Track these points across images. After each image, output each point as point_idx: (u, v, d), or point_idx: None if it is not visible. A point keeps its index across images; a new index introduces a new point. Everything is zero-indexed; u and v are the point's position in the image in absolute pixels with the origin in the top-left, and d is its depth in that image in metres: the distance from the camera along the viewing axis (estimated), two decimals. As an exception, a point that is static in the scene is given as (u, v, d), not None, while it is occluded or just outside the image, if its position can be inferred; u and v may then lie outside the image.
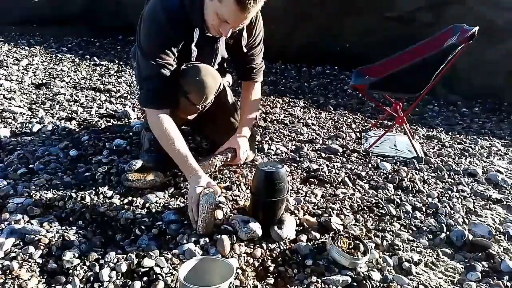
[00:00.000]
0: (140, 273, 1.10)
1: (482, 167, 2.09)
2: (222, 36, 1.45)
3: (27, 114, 2.24)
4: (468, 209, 1.63)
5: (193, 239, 1.25)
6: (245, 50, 1.56)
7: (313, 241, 1.33)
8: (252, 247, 1.26)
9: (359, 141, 2.33)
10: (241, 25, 1.34)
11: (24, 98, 2.53)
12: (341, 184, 1.76)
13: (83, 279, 1.07)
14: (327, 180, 1.77)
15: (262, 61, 1.75)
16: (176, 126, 1.47)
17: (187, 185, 1.47)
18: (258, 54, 1.69)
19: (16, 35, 4.46)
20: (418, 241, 1.40)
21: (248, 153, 1.69)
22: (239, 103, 1.87)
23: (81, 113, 2.36)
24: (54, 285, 1.05)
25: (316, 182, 1.75)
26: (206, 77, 1.49)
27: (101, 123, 2.20)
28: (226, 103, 1.78)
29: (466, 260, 1.32)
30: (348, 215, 1.50)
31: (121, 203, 1.44)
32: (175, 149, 1.39)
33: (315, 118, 2.70)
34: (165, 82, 1.41)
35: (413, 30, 3.53)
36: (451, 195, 1.74)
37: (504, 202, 1.72)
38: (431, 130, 2.69)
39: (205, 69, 1.50)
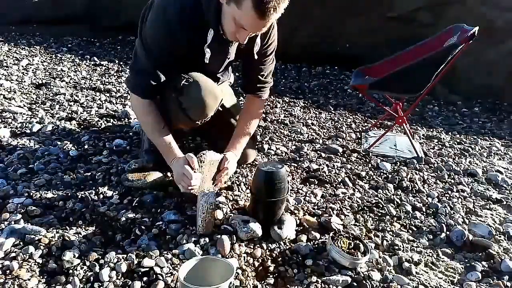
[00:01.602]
0: (140, 273, 1.10)
1: (482, 167, 2.09)
2: (237, 41, 1.40)
3: (27, 114, 2.24)
4: (468, 209, 1.63)
5: (193, 239, 1.25)
6: (256, 56, 1.50)
7: (313, 241, 1.33)
8: (252, 247, 1.26)
9: (359, 141, 2.33)
10: (259, 32, 1.31)
11: (24, 98, 2.53)
12: (341, 184, 1.76)
13: (83, 279, 1.07)
14: (327, 180, 1.77)
15: (271, 78, 1.68)
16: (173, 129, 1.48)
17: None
18: (269, 65, 1.62)
19: (16, 35, 4.46)
20: (418, 241, 1.40)
21: (231, 169, 1.54)
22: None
23: (81, 113, 2.36)
24: (54, 285, 1.05)
25: (316, 182, 1.75)
26: (207, 97, 1.44)
27: (101, 123, 2.20)
28: (225, 104, 1.77)
29: (466, 260, 1.32)
30: (348, 215, 1.50)
31: (121, 203, 1.44)
32: (158, 135, 1.43)
33: (315, 118, 2.70)
34: (157, 81, 1.40)
35: (413, 30, 3.53)
36: (451, 195, 1.74)
37: (504, 202, 1.72)
38: (431, 130, 2.69)
39: (206, 86, 1.45)
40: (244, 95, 1.78)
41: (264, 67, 1.60)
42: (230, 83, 1.96)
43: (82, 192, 1.47)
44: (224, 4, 1.25)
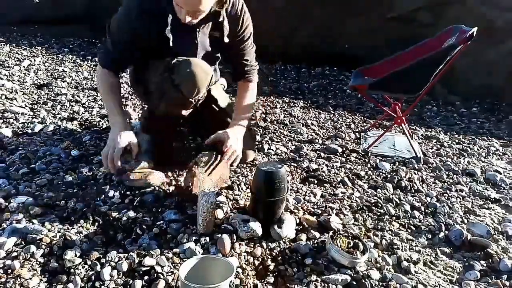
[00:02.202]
0: (141, 272, 1.11)
1: (481, 167, 2.10)
2: (201, 27, 1.51)
3: (29, 115, 2.25)
4: (466, 209, 1.64)
5: (194, 238, 1.26)
6: (226, 40, 1.55)
7: (313, 240, 1.34)
8: (252, 246, 1.27)
9: (358, 141, 2.34)
10: (198, 13, 1.37)
11: (25, 98, 2.54)
12: (341, 183, 1.77)
13: (85, 278, 1.08)
14: (327, 180, 1.78)
15: (255, 62, 1.76)
16: (174, 124, 1.61)
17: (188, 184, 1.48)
18: (250, 49, 1.71)
19: (17, 36, 4.47)
20: (417, 240, 1.41)
21: (238, 147, 1.60)
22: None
23: (82, 113, 2.37)
24: (55, 284, 1.06)
25: (316, 182, 1.76)
26: (197, 71, 1.49)
27: (102, 123, 2.21)
28: (220, 104, 1.80)
29: (465, 259, 1.33)
30: (347, 215, 1.51)
31: (122, 202, 1.44)
32: (108, 100, 1.61)
33: (315, 118, 2.71)
34: (118, 56, 1.59)
35: (413, 30, 3.54)
36: (450, 194, 1.75)
37: (503, 202, 1.73)
38: (430, 130, 2.70)
39: (195, 62, 1.51)
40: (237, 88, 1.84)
41: (245, 51, 1.69)
42: (224, 86, 1.97)
43: (84, 192, 1.48)
44: None
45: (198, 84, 1.51)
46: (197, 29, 1.55)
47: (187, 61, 1.49)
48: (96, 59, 1.68)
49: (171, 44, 1.48)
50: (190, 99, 1.57)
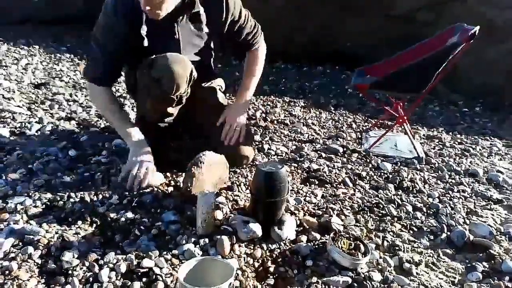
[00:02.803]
0: (139, 273, 1.10)
1: (483, 167, 2.08)
2: (179, 21, 1.51)
3: (26, 114, 2.23)
4: (468, 210, 1.62)
5: (193, 239, 1.24)
6: (206, 30, 1.57)
7: (313, 241, 1.32)
8: (252, 247, 1.26)
9: (360, 141, 2.32)
10: (156, 7, 1.34)
11: (23, 97, 2.53)
12: (342, 184, 1.76)
13: (82, 280, 1.07)
14: (328, 180, 1.76)
15: (255, 27, 1.75)
16: (159, 119, 1.67)
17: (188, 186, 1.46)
18: (246, 25, 1.70)
19: (15, 35, 4.45)
20: (418, 241, 1.39)
21: (240, 121, 1.72)
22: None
23: (80, 113, 2.36)
24: (53, 285, 1.05)
25: (317, 182, 1.74)
26: (174, 64, 1.47)
27: (100, 123, 2.20)
28: (220, 103, 1.80)
29: (467, 261, 1.31)
30: (348, 216, 1.49)
31: (121, 203, 1.43)
32: (114, 118, 1.57)
33: (316, 118, 2.70)
34: (109, 67, 1.55)
35: (414, 29, 3.53)
36: (452, 195, 1.74)
37: (505, 202, 1.71)
38: (432, 130, 2.69)
39: (174, 57, 1.49)
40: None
41: (242, 29, 1.70)
42: (221, 87, 1.96)
43: (81, 193, 1.46)
44: None
45: (177, 79, 1.50)
46: (175, 24, 1.53)
47: (164, 57, 1.49)
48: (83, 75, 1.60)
49: (145, 43, 1.48)
50: (171, 95, 1.55)
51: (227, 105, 1.81)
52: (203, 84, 1.82)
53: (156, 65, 1.49)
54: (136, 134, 1.57)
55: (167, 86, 1.51)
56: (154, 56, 1.50)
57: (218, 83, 1.94)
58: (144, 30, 1.45)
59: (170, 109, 1.69)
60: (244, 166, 1.79)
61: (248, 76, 1.82)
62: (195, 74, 1.60)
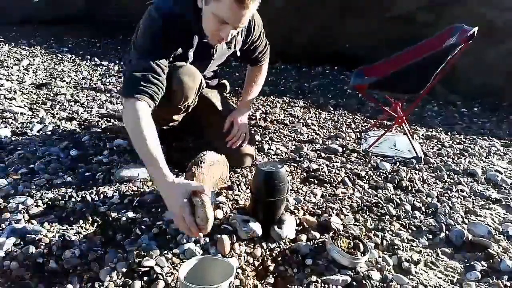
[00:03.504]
0: (140, 272, 1.11)
1: (482, 167, 2.09)
2: (220, 43, 1.44)
3: (28, 114, 2.24)
4: (467, 209, 1.63)
5: (193, 238, 1.25)
6: (238, 53, 1.58)
7: (313, 240, 1.33)
8: (252, 246, 1.26)
9: (359, 141, 2.33)
10: (241, 25, 1.31)
11: (24, 98, 2.54)
12: (341, 184, 1.76)
13: (84, 279, 1.08)
14: (327, 180, 1.77)
15: (266, 45, 1.77)
16: (164, 124, 1.56)
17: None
18: (260, 43, 1.71)
19: (17, 35, 4.46)
20: (417, 240, 1.40)
21: (243, 127, 1.73)
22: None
23: (81, 113, 2.36)
24: (54, 284, 1.05)
25: (316, 182, 1.75)
26: (184, 76, 1.47)
27: (101, 123, 2.21)
28: (223, 105, 1.81)
29: (466, 260, 1.32)
30: (347, 215, 1.50)
31: (122, 202, 1.44)
32: (147, 148, 1.15)
33: (315, 118, 2.71)
34: (154, 78, 1.33)
35: (413, 30, 3.53)
36: (451, 195, 1.74)
37: (504, 202, 1.72)
38: (431, 130, 2.69)
39: (183, 68, 1.49)
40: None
41: (257, 47, 1.72)
42: (226, 89, 1.97)
43: (83, 192, 1.47)
44: (203, 6, 1.29)
45: (186, 92, 1.50)
46: (215, 46, 1.53)
47: (175, 68, 1.46)
48: (119, 91, 1.39)
49: (189, 62, 1.47)
50: (178, 106, 1.56)
51: (233, 110, 1.82)
52: (209, 82, 1.83)
53: (167, 75, 1.45)
54: (169, 174, 1.14)
55: (175, 98, 1.51)
56: None
57: (226, 85, 1.96)
58: (191, 51, 1.44)
59: (175, 116, 1.71)
60: (248, 165, 1.79)
61: (251, 84, 1.84)
62: (203, 84, 1.61)
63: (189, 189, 1.06)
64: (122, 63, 3.79)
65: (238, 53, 1.58)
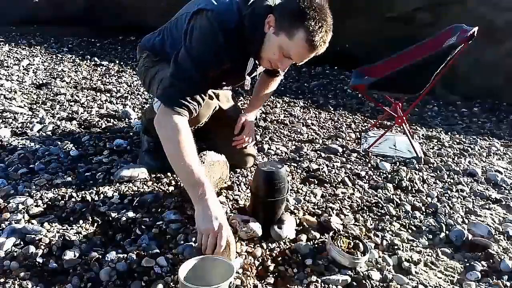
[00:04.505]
0: (140, 272, 1.11)
1: (482, 167, 2.09)
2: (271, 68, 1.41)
3: (28, 114, 2.24)
4: (467, 209, 1.63)
5: (194, 238, 1.25)
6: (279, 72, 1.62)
7: (313, 240, 1.33)
8: (252, 246, 1.26)
9: (359, 141, 2.33)
10: (303, 62, 1.30)
11: (24, 98, 2.54)
12: (341, 184, 1.76)
13: (84, 279, 1.08)
14: (327, 180, 1.77)
15: None
16: None
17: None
18: None
19: (16, 35, 4.47)
20: (417, 240, 1.40)
21: (251, 130, 1.74)
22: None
23: (81, 113, 2.36)
24: (54, 284, 1.05)
25: (316, 182, 1.75)
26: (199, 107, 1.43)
27: (101, 123, 2.21)
28: (228, 109, 1.78)
29: (466, 260, 1.32)
30: (347, 215, 1.50)
31: (122, 202, 1.44)
32: (186, 162, 1.15)
33: (315, 118, 2.71)
34: (199, 92, 1.29)
35: (413, 30, 3.54)
36: (451, 195, 1.75)
37: (504, 202, 1.72)
38: (431, 130, 2.70)
39: None
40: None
41: None
42: (232, 92, 1.96)
43: (83, 192, 1.47)
44: (271, 34, 1.25)
45: (198, 119, 1.48)
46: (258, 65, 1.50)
47: None
48: (156, 101, 1.31)
49: (246, 87, 1.47)
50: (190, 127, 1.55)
51: (236, 109, 1.81)
52: None
53: None
54: (211, 192, 1.18)
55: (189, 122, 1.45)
56: None
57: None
58: (246, 73, 1.41)
59: None
60: (250, 166, 1.79)
61: (263, 91, 1.83)
62: (217, 107, 1.60)
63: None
64: (121, 63, 3.80)
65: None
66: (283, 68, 1.32)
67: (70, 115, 2.30)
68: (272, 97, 3.12)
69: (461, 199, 1.72)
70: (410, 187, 1.77)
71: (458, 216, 1.56)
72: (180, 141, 1.19)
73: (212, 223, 1.10)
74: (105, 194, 1.48)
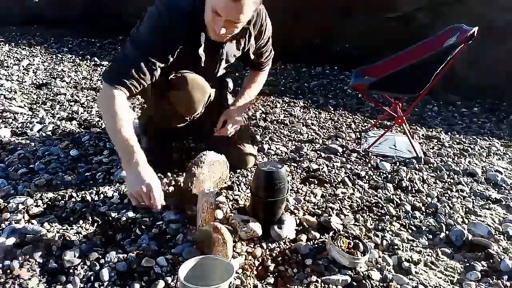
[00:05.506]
0: (140, 272, 1.11)
1: (482, 167, 2.09)
2: (226, 42, 1.42)
3: (28, 114, 2.24)
4: (467, 209, 1.63)
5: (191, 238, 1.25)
6: (252, 57, 1.57)
7: (313, 240, 1.33)
8: (252, 246, 1.27)
9: (359, 141, 2.33)
10: (237, 21, 1.28)
11: (24, 98, 2.54)
12: (341, 184, 1.76)
13: (84, 279, 1.08)
14: (327, 180, 1.77)
15: (271, 51, 1.74)
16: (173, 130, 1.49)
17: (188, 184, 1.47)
18: (266, 50, 1.70)
19: (16, 35, 4.47)
20: (417, 240, 1.40)
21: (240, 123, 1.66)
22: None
23: (81, 113, 2.36)
24: (54, 284, 1.06)
25: (316, 182, 1.75)
26: (193, 90, 1.46)
27: (101, 123, 2.20)
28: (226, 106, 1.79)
29: (466, 260, 1.32)
30: (347, 215, 1.50)
31: (121, 202, 1.44)
32: (121, 131, 1.21)
33: (315, 118, 2.71)
34: (140, 77, 1.31)
35: (413, 30, 3.54)
36: (451, 195, 1.74)
37: (504, 202, 1.72)
38: (431, 130, 2.69)
39: (193, 80, 1.46)
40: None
41: (263, 51, 1.68)
42: (230, 89, 1.96)
43: (83, 192, 1.47)
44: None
45: (194, 106, 1.50)
46: (223, 46, 1.49)
47: (184, 79, 1.44)
48: (101, 77, 1.34)
49: (202, 64, 1.43)
50: (185, 117, 1.56)
51: (228, 109, 1.80)
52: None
53: (175, 88, 1.45)
54: (141, 158, 1.22)
55: (184, 110, 1.50)
56: (174, 75, 1.44)
57: (228, 84, 1.94)
58: (201, 49, 1.40)
59: (179, 125, 1.70)
60: (250, 166, 1.78)
61: (250, 86, 1.79)
62: (212, 95, 1.60)
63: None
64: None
65: (252, 56, 1.56)
66: (218, 29, 1.27)
67: (70, 115, 2.30)
68: (272, 97, 3.12)
69: (461, 199, 1.72)
70: (410, 187, 1.77)
71: (458, 216, 1.56)
72: (116, 113, 1.24)
73: (140, 185, 1.14)
74: (105, 194, 1.48)
